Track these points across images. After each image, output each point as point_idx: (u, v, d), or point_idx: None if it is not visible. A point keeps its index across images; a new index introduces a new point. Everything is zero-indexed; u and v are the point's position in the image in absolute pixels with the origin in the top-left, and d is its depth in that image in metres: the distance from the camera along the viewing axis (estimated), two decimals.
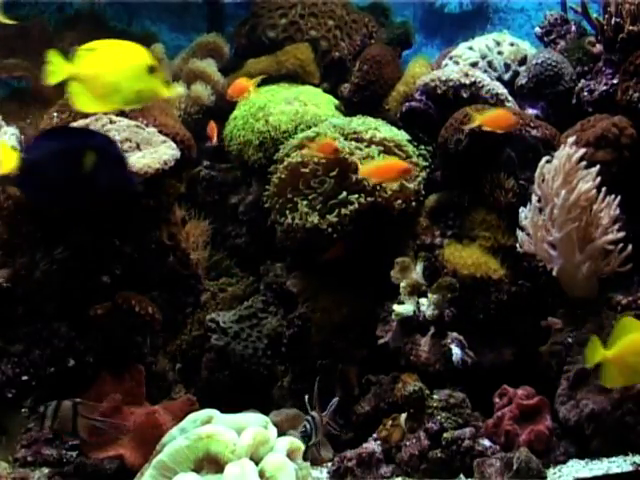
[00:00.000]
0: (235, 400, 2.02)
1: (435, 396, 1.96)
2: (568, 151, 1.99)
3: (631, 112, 2.18)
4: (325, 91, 2.87)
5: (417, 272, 2.18)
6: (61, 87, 2.65)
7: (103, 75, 1.58)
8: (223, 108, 2.83)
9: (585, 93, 2.40)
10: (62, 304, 1.95)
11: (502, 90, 2.50)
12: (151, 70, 1.59)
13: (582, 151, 2.00)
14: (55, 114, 2.24)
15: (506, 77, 2.66)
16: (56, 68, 1.60)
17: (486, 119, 2.15)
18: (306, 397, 1.84)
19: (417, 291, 2.14)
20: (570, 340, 2.00)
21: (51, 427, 1.69)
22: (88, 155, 1.59)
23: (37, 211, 1.99)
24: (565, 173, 1.98)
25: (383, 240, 2.30)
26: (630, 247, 1.99)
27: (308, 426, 1.73)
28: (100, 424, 1.74)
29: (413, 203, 2.30)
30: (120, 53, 1.60)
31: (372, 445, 1.96)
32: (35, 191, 1.66)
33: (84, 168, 1.60)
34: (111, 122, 2.09)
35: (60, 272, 1.94)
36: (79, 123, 2.10)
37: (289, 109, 2.65)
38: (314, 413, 1.78)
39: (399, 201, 2.26)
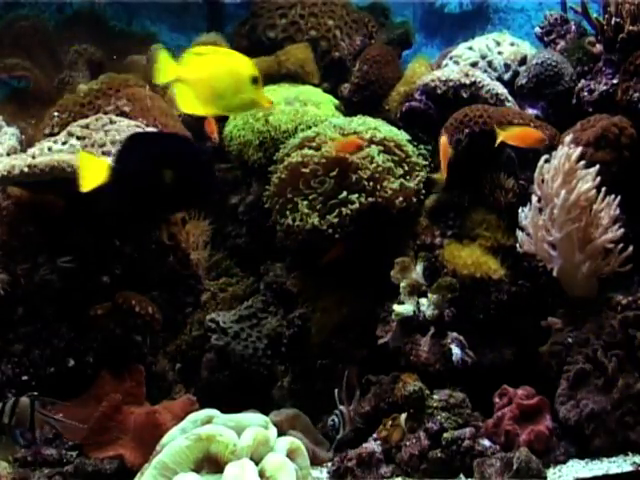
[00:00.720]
0: (235, 400, 2.01)
1: (435, 396, 1.96)
2: (567, 151, 1.99)
3: (631, 112, 2.19)
4: (325, 91, 2.87)
5: (417, 272, 2.18)
6: (61, 87, 2.65)
7: (209, 80, 1.62)
8: None
9: (585, 93, 2.40)
10: (62, 304, 1.95)
11: (502, 90, 2.50)
12: (254, 81, 1.63)
13: (580, 150, 2.00)
14: (55, 114, 2.24)
15: (506, 77, 2.66)
16: (165, 68, 1.63)
17: (512, 136, 2.11)
18: (335, 391, 1.86)
19: (417, 291, 2.14)
20: (570, 340, 2.00)
21: (8, 424, 1.70)
22: (167, 174, 1.61)
23: (37, 211, 1.99)
24: (564, 173, 1.98)
25: (383, 240, 2.30)
26: (630, 247, 2.00)
27: (336, 419, 1.75)
28: (55, 423, 1.74)
29: (414, 202, 2.30)
30: (227, 61, 1.65)
31: (372, 445, 1.96)
32: (125, 201, 1.67)
33: (173, 176, 1.62)
34: (111, 122, 2.09)
35: (60, 273, 1.95)
36: (79, 122, 2.10)
37: (289, 109, 2.65)
38: (342, 407, 1.79)
39: (399, 200, 2.26)
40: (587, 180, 1.98)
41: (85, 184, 1.63)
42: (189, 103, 1.64)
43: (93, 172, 1.61)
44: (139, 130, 1.84)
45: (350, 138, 2.28)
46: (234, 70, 1.63)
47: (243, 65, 1.64)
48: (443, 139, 2.23)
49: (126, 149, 1.63)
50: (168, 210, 1.76)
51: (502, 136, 2.09)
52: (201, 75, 1.62)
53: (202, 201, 1.75)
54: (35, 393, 1.74)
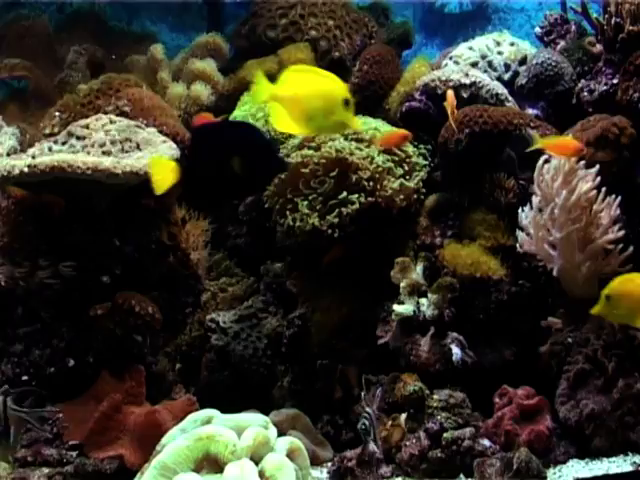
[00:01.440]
0: (235, 400, 2.01)
1: (435, 396, 1.96)
2: None
3: (631, 112, 2.18)
4: None
5: (417, 272, 2.18)
6: (61, 87, 2.65)
7: (303, 101, 1.65)
8: (223, 108, 2.83)
9: (585, 93, 2.40)
10: (62, 304, 1.95)
11: (502, 90, 2.50)
12: (346, 103, 1.64)
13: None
14: (57, 114, 2.24)
15: (506, 77, 2.66)
16: (261, 89, 1.67)
17: (550, 144, 2.07)
18: (362, 394, 1.89)
19: (417, 291, 2.14)
20: (570, 340, 2.00)
21: None
22: (238, 158, 1.67)
23: (37, 211, 1.99)
24: (565, 173, 1.98)
25: (383, 240, 2.30)
26: (630, 247, 2.00)
27: (367, 422, 1.76)
28: (27, 416, 1.74)
29: (414, 202, 2.30)
30: (321, 83, 1.66)
31: (372, 445, 1.96)
32: (198, 194, 1.77)
33: (240, 162, 1.68)
34: (111, 122, 2.09)
35: (60, 272, 1.94)
36: (79, 122, 2.10)
37: None
38: (369, 409, 1.80)
39: (399, 200, 2.26)
40: (587, 180, 1.98)
41: (157, 187, 1.71)
42: (283, 122, 1.67)
43: (164, 174, 1.67)
44: (203, 123, 1.89)
45: (397, 130, 2.29)
46: (328, 92, 1.65)
47: (336, 88, 1.66)
48: (449, 92, 2.25)
49: (193, 145, 1.70)
50: (240, 194, 1.80)
51: (540, 143, 2.05)
52: (295, 95, 1.65)
53: (269, 180, 1.84)
54: (6, 386, 1.73)
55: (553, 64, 2.50)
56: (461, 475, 1.87)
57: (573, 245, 2.00)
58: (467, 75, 2.47)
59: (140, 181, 1.91)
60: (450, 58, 2.72)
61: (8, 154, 2.09)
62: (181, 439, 1.40)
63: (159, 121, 2.17)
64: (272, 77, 2.79)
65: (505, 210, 2.22)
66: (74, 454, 1.84)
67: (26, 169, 1.79)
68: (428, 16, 4.04)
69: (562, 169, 1.99)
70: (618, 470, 1.78)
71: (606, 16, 2.34)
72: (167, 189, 1.71)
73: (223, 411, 1.52)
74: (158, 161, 1.73)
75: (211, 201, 1.80)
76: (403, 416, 1.97)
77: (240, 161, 1.66)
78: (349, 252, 2.27)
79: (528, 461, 1.77)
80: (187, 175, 1.66)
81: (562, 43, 2.66)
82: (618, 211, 2.00)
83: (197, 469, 1.37)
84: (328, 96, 1.64)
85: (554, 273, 2.02)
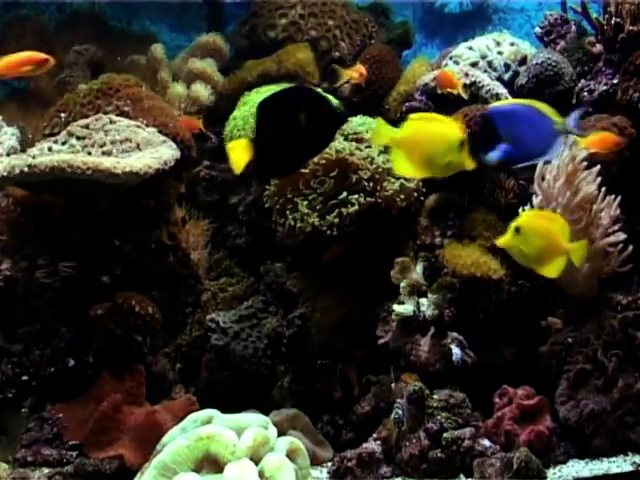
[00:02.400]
0: (235, 400, 2.01)
1: (435, 396, 1.96)
2: (571, 152, 1.99)
3: (631, 112, 2.19)
4: (325, 91, 2.86)
5: (417, 272, 2.18)
6: (61, 87, 2.65)
7: (422, 146, 1.75)
8: (223, 108, 2.83)
9: (585, 93, 2.40)
10: (62, 304, 1.95)
11: (502, 90, 2.50)
12: (461, 145, 1.74)
13: (586, 153, 2.00)
14: (63, 115, 2.24)
15: (506, 77, 2.65)
16: (382, 133, 1.81)
17: (591, 141, 2.09)
18: (392, 385, 1.96)
19: (417, 291, 2.14)
20: (570, 340, 2.00)
21: None
22: (302, 114, 1.75)
23: (37, 211, 1.99)
24: (567, 173, 1.98)
25: (383, 240, 2.30)
26: (630, 247, 2.00)
27: (400, 412, 1.78)
28: None
29: (414, 202, 2.30)
30: (438, 127, 1.76)
31: (372, 445, 1.96)
32: (271, 167, 1.84)
33: (303, 127, 1.76)
34: (111, 122, 2.09)
35: (60, 272, 1.95)
36: (79, 122, 2.10)
37: None
38: (401, 400, 1.81)
39: (399, 200, 2.26)
40: (589, 181, 1.98)
41: (236, 167, 1.80)
42: (402, 166, 1.78)
43: (239, 154, 1.75)
44: (267, 96, 1.93)
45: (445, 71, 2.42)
46: (444, 136, 1.75)
47: (452, 131, 1.75)
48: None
49: (260, 119, 1.76)
50: (310, 152, 1.86)
51: (583, 143, 2.07)
52: (414, 141, 1.75)
53: (334, 133, 1.90)
54: None
55: (553, 64, 2.50)
56: (461, 475, 1.87)
57: None
58: (467, 75, 2.47)
59: (140, 181, 1.91)
60: (450, 58, 2.72)
61: (8, 154, 2.09)
62: (181, 439, 1.40)
63: (159, 121, 2.17)
64: (272, 77, 2.82)
65: (505, 210, 2.22)
66: (74, 454, 1.84)
67: (26, 169, 1.79)
68: (428, 16, 4.03)
69: (564, 169, 1.99)
70: (618, 470, 1.78)
71: (606, 16, 2.34)
72: (245, 167, 1.80)
73: (223, 411, 1.52)
74: (233, 143, 1.83)
75: (286, 169, 1.87)
76: None
77: (306, 116, 1.73)
78: (348, 252, 2.27)
79: (528, 461, 1.77)
80: (260, 148, 1.74)
81: (562, 43, 2.66)
82: (618, 211, 2.00)
83: (197, 469, 1.37)
84: (445, 140, 1.74)
85: None
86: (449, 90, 2.42)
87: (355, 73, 2.58)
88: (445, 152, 1.74)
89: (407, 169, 1.79)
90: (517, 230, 1.74)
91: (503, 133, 1.83)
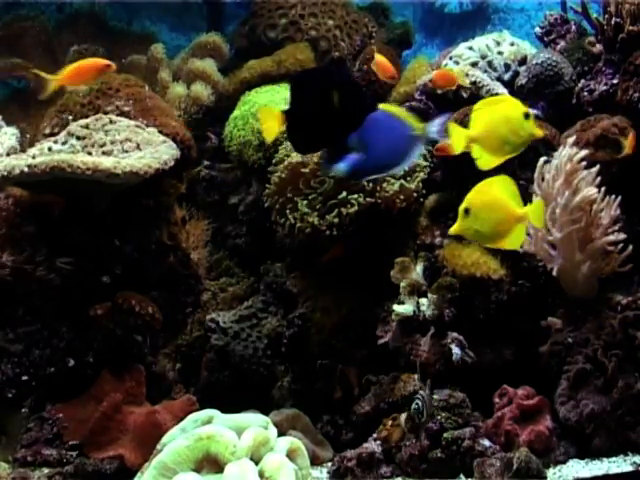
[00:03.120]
0: (235, 400, 2.01)
1: (435, 396, 1.96)
2: (570, 151, 1.99)
3: (631, 112, 2.19)
4: None
5: (417, 272, 2.18)
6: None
7: (495, 132, 1.73)
8: (223, 108, 2.83)
9: (585, 93, 2.40)
10: (62, 304, 1.95)
11: (502, 90, 2.50)
12: (526, 116, 1.72)
13: (584, 152, 2.00)
14: (70, 117, 2.24)
15: (506, 77, 2.65)
16: (458, 137, 1.75)
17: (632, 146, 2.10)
18: (416, 377, 1.93)
19: (417, 291, 2.14)
20: (570, 340, 2.00)
21: None
22: (335, 94, 1.74)
23: (37, 211, 1.99)
24: (566, 173, 1.98)
25: (383, 240, 2.30)
26: (630, 247, 2.00)
27: (420, 404, 1.80)
28: None
29: (414, 202, 2.30)
30: (501, 108, 1.75)
31: (372, 445, 1.96)
32: (301, 140, 1.82)
33: (335, 106, 1.74)
34: (111, 122, 2.09)
35: (60, 273, 1.95)
36: (79, 122, 2.10)
37: None
38: (423, 392, 1.82)
39: (399, 201, 2.26)
40: (589, 181, 1.98)
41: (267, 136, 1.83)
42: (486, 161, 1.74)
43: (271, 123, 1.76)
44: (304, 70, 1.96)
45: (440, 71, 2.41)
46: (511, 115, 1.73)
47: (514, 106, 1.74)
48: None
49: (295, 91, 1.77)
50: (340, 132, 1.87)
51: (629, 148, 2.07)
52: (488, 131, 1.73)
53: (363, 118, 1.83)
54: None
55: (553, 64, 2.50)
56: (461, 475, 1.87)
57: (573, 245, 2.00)
58: (467, 75, 2.47)
59: (140, 181, 1.91)
60: (450, 58, 2.72)
61: (8, 154, 2.09)
62: (181, 439, 1.40)
63: (159, 121, 2.17)
64: (272, 77, 2.82)
65: None
66: (74, 454, 1.83)
67: (26, 169, 1.79)
68: (428, 16, 4.04)
69: (563, 169, 1.99)
70: (618, 470, 1.78)
71: (606, 16, 2.34)
72: (275, 137, 1.85)
73: (223, 411, 1.52)
74: (265, 110, 1.83)
75: (315, 144, 1.88)
76: (403, 416, 1.97)
77: (339, 95, 1.73)
78: (349, 252, 2.27)
79: (528, 461, 1.77)
80: (291, 120, 1.75)
81: (562, 43, 2.66)
82: (618, 211, 2.00)
83: (197, 469, 1.37)
84: (511, 118, 1.72)
85: (554, 273, 2.02)
86: (447, 88, 2.42)
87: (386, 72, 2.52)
88: (516, 129, 1.72)
89: (490, 161, 1.75)
90: (466, 212, 1.68)
91: (352, 142, 1.80)
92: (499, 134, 1.72)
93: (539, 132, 1.76)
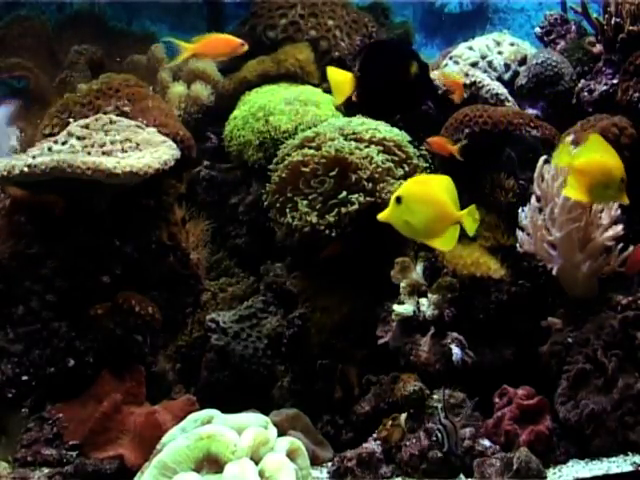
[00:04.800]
0: (235, 400, 2.01)
1: (435, 396, 1.96)
2: None
3: (631, 112, 2.19)
4: (325, 91, 2.87)
5: (417, 272, 2.18)
6: (61, 87, 2.65)
7: (592, 176, 1.77)
8: (223, 108, 2.83)
9: (585, 93, 2.40)
10: (62, 304, 1.95)
11: (502, 90, 2.50)
12: (622, 181, 1.78)
13: None
14: (56, 114, 2.24)
15: (506, 77, 2.66)
16: (562, 157, 1.82)
17: None
18: (439, 406, 1.86)
19: (417, 291, 2.14)
20: (570, 340, 2.00)
21: None
22: (412, 65, 1.76)
23: (37, 211, 1.99)
24: (566, 173, 1.98)
25: (383, 240, 2.30)
26: (630, 247, 2.00)
27: (440, 435, 1.78)
28: None
29: None
30: (606, 160, 1.78)
31: (372, 445, 1.96)
32: (373, 105, 1.85)
33: (409, 76, 1.77)
34: (111, 122, 2.09)
35: (60, 272, 1.95)
36: (79, 122, 2.10)
37: (289, 109, 2.65)
38: (445, 421, 1.79)
39: None
40: None
41: (337, 98, 1.84)
42: (574, 189, 1.79)
43: (341, 85, 1.76)
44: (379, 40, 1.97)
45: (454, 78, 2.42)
46: (611, 172, 1.77)
47: (617, 168, 1.77)
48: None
49: (367, 58, 1.79)
50: (404, 107, 1.91)
51: None
52: (586, 171, 1.77)
53: (425, 97, 1.97)
54: None
55: (553, 64, 2.50)
56: (461, 475, 1.87)
57: (573, 245, 2.00)
58: (467, 75, 2.47)
59: (140, 181, 1.91)
60: (450, 58, 2.72)
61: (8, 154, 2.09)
62: (181, 439, 1.40)
63: (159, 121, 2.17)
64: (271, 77, 2.82)
65: (505, 210, 2.22)
66: (74, 454, 1.83)
67: (26, 169, 1.79)
68: (428, 16, 4.04)
69: (563, 169, 1.99)
70: (618, 470, 1.78)
71: (606, 16, 2.35)
72: (345, 99, 1.83)
73: (223, 411, 1.52)
74: (336, 72, 1.81)
75: (387, 111, 1.90)
76: (403, 416, 1.97)
77: (415, 65, 1.75)
78: (349, 252, 2.27)
79: (528, 461, 1.77)
80: (362, 85, 1.75)
81: (562, 43, 2.66)
82: (619, 211, 2.00)
83: (197, 469, 1.37)
84: (611, 176, 1.76)
85: (554, 273, 2.02)
86: (452, 94, 2.42)
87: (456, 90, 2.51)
88: (607, 185, 1.77)
89: (576, 193, 1.80)
90: (398, 200, 1.62)
91: None
92: (594, 180, 1.76)
93: (625, 200, 1.79)
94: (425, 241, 1.72)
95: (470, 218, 1.67)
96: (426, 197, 1.63)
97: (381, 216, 1.66)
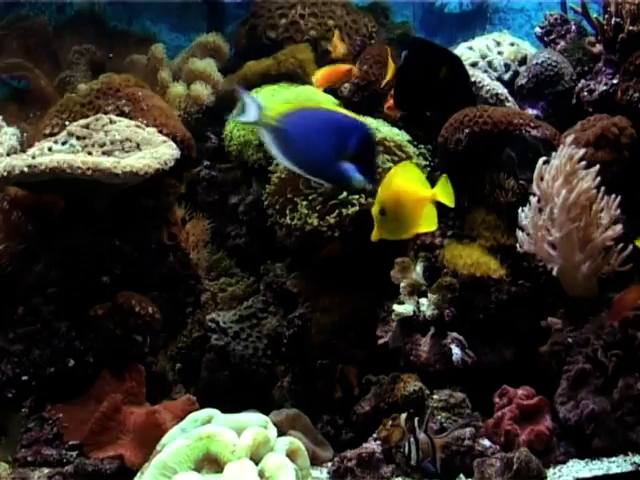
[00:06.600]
0: (235, 400, 2.02)
1: (435, 396, 1.96)
2: (569, 151, 1.99)
3: (631, 112, 2.18)
4: (325, 91, 2.87)
5: (417, 272, 2.18)
6: (61, 87, 2.65)
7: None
8: (223, 108, 2.83)
9: (585, 93, 2.40)
10: (62, 304, 1.95)
11: (502, 90, 2.50)
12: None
13: (583, 151, 2.00)
14: (56, 114, 2.24)
15: (506, 77, 2.66)
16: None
17: None
18: (416, 420, 1.83)
19: (417, 291, 2.14)
20: (570, 340, 2.00)
21: None
22: (443, 69, 1.84)
23: (36, 211, 1.99)
24: (566, 173, 1.98)
25: (383, 240, 2.30)
26: (630, 247, 2.00)
27: (407, 448, 1.77)
28: None
29: None
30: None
31: (372, 445, 1.96)
32: (407, 98, 1.95)
33: (442, 78, 1.84)
34: (111, 122, 2.09)
35: (60, 272, 1.95)
36: (79, 122, 2.10)
37: None
38: (422, 435, 1.77)
39: None
40: (587, 180, 1.98)
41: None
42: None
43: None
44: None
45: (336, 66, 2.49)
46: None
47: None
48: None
49: (411, 50, 1.86)
50: (437, 106, 1.96)
51: None
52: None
53: (460, 105, 1.98)
54: None
55: (553, 64, 2.50)
56: (461, 475, 1.87)
57: (573, 245, 2.00)
58: None
59: (140, 181, 1.91)
60: None
61: (8, 154, 2.09)
62: (181, 438, 1.40)
63: (159, 121, 2.17)
64: (271, 77, 2.82)
65: (505, 210, 2.22)
66: (74, 454, 1.84)
67: (26, 169, 1.79)
68: (428, 16, 4.04)
69: (563, 169, 1.99)
70: (618, 470, 1.78)
71: (606, 16, 2.35)
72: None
73: (223, 411, 1.52)
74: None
75: (418, 107, 1.93)
76: (403, 416, 1.97)
77: (448, 70, 1.81)
78: (347, 249, 2.27)
79: (528, 461, 1.77)
80: (402, 76, 1.85)
81: (562, 43, 2.66)
82: (618, 211, 2.00)
83: (197, 468, 1.38)
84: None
85: (554, 273, 2.02)
86: None
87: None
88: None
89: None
90: (382, 212, 1.65)
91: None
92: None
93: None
94: (413, 231, 1.73)
95: (444, 192, 1.66)
96: (401, 194, 1.65)
97: (374, 237, 1.69)
